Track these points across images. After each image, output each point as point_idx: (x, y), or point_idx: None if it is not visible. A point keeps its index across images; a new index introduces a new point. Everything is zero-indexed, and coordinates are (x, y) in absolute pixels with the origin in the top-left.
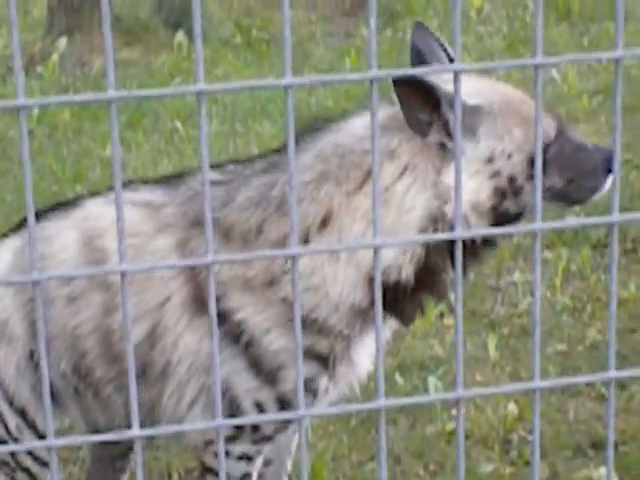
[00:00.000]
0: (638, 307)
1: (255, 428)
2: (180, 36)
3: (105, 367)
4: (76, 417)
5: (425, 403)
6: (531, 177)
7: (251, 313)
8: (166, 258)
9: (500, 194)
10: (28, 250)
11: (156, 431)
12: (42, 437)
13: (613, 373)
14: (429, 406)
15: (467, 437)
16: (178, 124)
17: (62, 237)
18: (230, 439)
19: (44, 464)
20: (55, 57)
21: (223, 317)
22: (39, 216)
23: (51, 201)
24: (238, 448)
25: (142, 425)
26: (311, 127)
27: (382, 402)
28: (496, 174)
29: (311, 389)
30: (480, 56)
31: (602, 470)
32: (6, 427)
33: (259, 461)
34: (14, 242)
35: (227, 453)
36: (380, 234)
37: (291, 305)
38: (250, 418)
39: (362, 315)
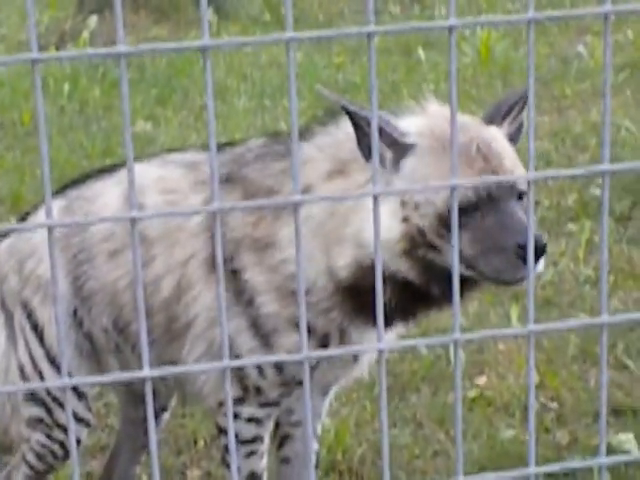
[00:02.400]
0: None
1: (259, 391)
2: (209, 14)
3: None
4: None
5: (447, 372)
6: (444, 236)
7: (254, 274)
8: (194, 214)
9: (411, 240)
10: (74, 207)
11: (164, 371)
12: (81, 395)
13: (605, 318)
14: (451, 375)
15: (489, 404)
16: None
17: (105, 195)
18: (237, 401)
19: (80, 420)
20: (86, 35)
21: (234, 275)
22: (72, 184)
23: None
24: (246, 410)
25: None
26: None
27: (382, 345)
28: (406, 220)
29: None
30: (507, 31)
31: (622, 436)
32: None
33: (269, 425)
34: (59, 202)
35: (236, 415)
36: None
37: (284, 271)
38: (254, 359)
39: (348, 301)
